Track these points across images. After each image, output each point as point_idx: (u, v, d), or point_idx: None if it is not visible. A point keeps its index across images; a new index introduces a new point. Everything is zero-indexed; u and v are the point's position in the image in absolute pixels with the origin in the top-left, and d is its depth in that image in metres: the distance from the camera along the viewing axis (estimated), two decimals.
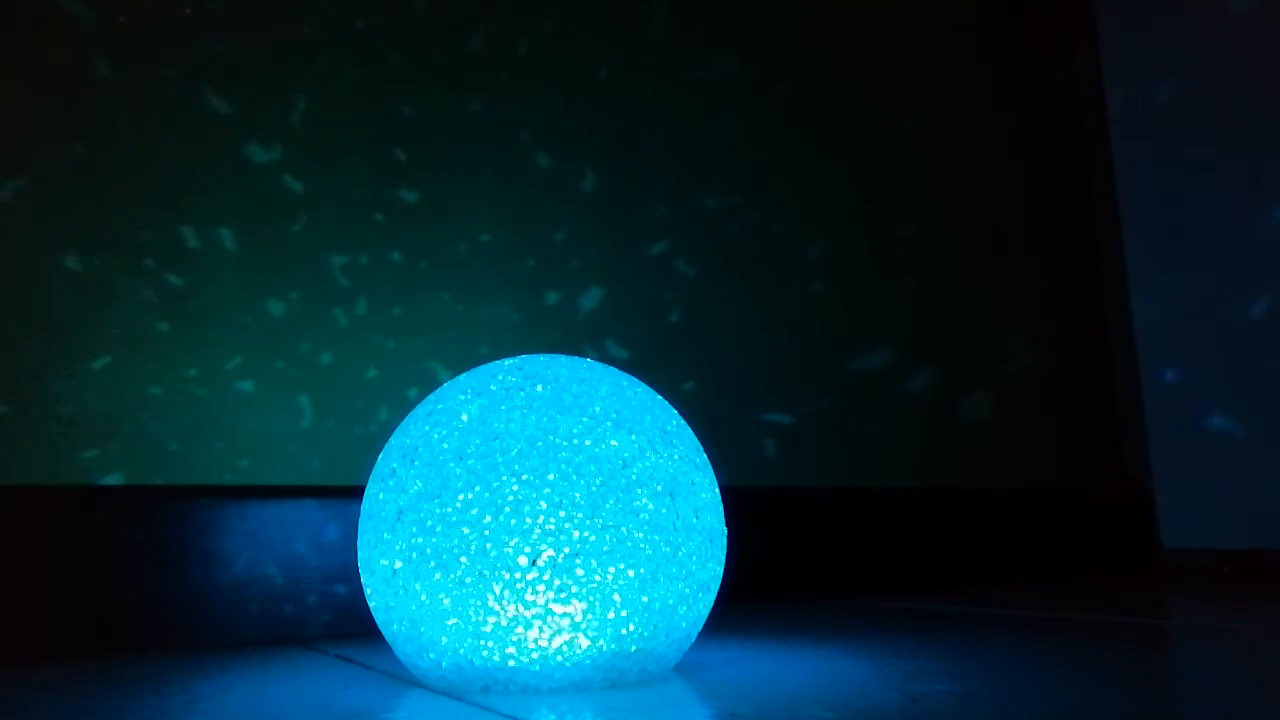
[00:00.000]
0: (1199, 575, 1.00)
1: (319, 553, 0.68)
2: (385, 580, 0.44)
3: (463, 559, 0.42)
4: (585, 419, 0.44)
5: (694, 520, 0.45)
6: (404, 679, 0.49)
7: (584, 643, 0.42)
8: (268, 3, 0.75)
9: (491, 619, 0.42)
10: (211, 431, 0.69)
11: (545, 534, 0.42)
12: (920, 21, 1.05)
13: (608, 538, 0.42)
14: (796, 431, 0.90)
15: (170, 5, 0.71)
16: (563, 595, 0.42)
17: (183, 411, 0.68)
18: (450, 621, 0.42)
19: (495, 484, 0.42)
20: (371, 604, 0.47)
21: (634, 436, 0.45)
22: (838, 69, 0.99)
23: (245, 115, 0.73)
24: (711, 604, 0.48)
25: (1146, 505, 1.05)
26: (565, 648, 0.42)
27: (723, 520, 0.48)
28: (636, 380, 0.49)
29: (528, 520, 0.42)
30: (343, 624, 0.68)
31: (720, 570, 0.48)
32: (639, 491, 0.43)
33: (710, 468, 0.49)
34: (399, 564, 0.44)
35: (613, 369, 0.49)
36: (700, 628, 0.48)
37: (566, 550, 0.42)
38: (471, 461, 0.43)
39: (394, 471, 0.46)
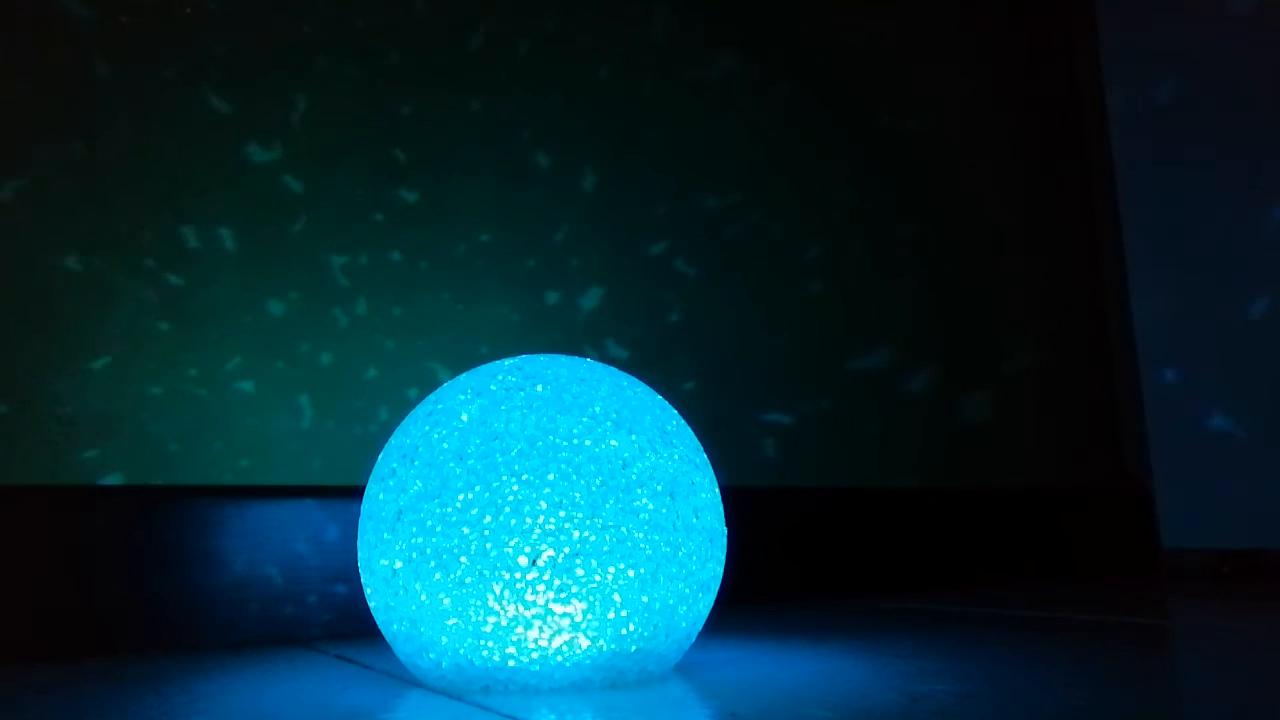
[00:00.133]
0: (1199, 575, 1.00)
1: (319, 553, 0.68)
2: (385, 580, 0.44)
3: (463, 559, 0.42)
4: (585, 419, 0.44)
5: (694, 520, 0.45)
6: (404, 679, 0.49)
7: (584, 643, 0.42)
8: (268, 3, 0.75)
9: (491, 619, 0.42)
10: (211, 431, 0.69)
11: (545, 534, 0.42)
12: (920, 21, 1.05)
13: (608, 538, 0.42)
14: (796, 431, 0.90)
15: (170, 5, 0.71)
16: (563, 595, 0.42)
17: (183, 411, 0.68)
18: (450, 621, 0.42)
19: (495, 484, 0.42)
20: (371, 604, 0.47)
21: (634, 436, 0.45)
22: (838, 69, 0.99)
23: (245, 115, 0.73)
24: (711, 604, 0.48)
25: (1146, 505, 1.05)
26: (565, 648, 0.42)
27: (723, 520, 0.48)
28: (636, 380, 0.49)
29: (528, 520, 0.42)
30: (343, 624, 0.68)
31: (720, 570, 0.48)
32: (639, 491, 0.43)
33: (710, 468, 0.49)
34: (399, 564, 0.44)
35: (613, 369, 0.49)
36: (700, 628, 0.48)
37: (566, 550, 0.42)
38: (471, 461, 0.43)
39: (394, 471, 0.46)
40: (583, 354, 0.81)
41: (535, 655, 0.42)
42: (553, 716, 0.38)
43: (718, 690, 0.43)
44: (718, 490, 0.49)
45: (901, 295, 0.98)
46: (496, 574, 0.42)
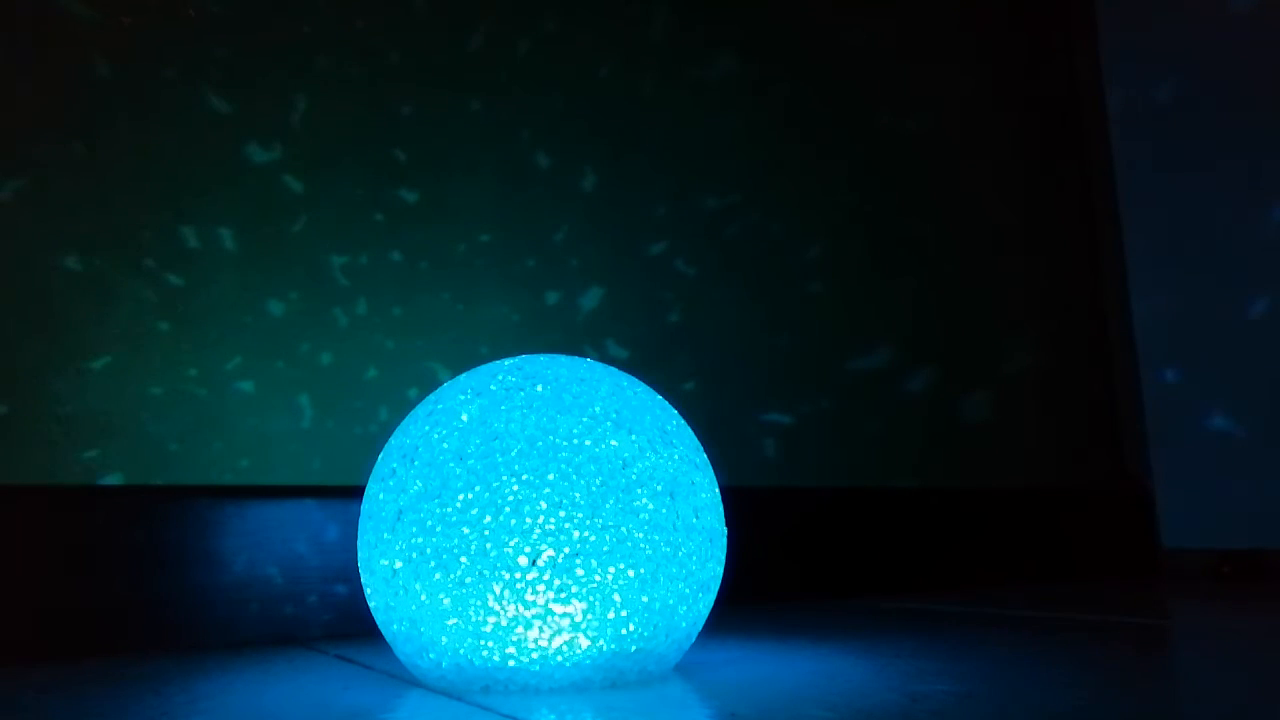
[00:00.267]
0: (1199, 575, 1.00)
1: (319, 553, 0.68)
2: (385, 580, 0.44)
3: (463, 559, 0.42)
4: (585, 419, 0.44)
5: (694, 520, 0.45)
6: (404, 679, 0.49)
7: (584, 643, 0.42)
8: (268, 3, 0.75)
9: (491, 619, 0.42)
10: (211, 431, 0.69)
11: (545, 534, 0.42)
12: (920, 21, 1.05)
13: (608, 538, 0.42)
14: (796, 431, 0.90)
15: (171, 6, 0.71)
16: (563, 595, 0.42)
17: (183, 411, 0.68)
18: (450, 621, 0.42)
19: (495, 484, 0.42)
20: (371, 604, 0.47)
21: (634, 436, 0.45)
22: (838, 69, 0.99)
23: (245, 115, 0.73)
24: (711, 604, 0.48)
25: (1146, 505, 1.05)
26: (565, 648, 0.42)
27: (723, 520, 0.48)
28: (636, 380, 0.49)
29: (528, 520, 0.42)
30: (343, 624, 0.68)
31: (720, 570, 0.48)
32: (639, 491, 0.43)
33: (710, 468, 0.49)
34: (399, 564, 0.44)
35: (613, 369, 0.49)
36: (700, 628, 0.48)
37: (566, 550, 0.42)
38: (471, 461, 0.43)
39: (394, 471, 0.46)
40: (583, 354, 0.81)
41: (535, 655, 0.42)
42: (553, 716, 0.38)
43: (718, 690, 0.43)
44: (718, 490, 0.49)
45: (901, 295, 0.98)
46: (496, 574, 0.42)
